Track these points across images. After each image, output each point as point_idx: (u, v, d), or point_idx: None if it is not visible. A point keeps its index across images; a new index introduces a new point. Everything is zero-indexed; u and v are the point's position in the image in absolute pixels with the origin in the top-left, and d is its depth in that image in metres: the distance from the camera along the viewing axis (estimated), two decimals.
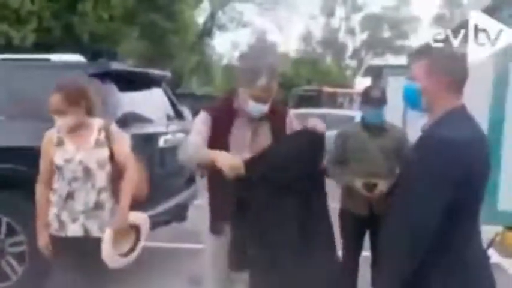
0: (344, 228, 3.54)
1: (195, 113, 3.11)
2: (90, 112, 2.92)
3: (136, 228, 2.99)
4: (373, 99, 3.42)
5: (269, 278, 2.55)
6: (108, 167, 2.89)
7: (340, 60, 46.17)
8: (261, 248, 2.54)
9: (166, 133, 4.62)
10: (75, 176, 2.82)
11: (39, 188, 2.93)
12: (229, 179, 2.42)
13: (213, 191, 2.75)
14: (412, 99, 1.97)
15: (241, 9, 30.87)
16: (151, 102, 4.83)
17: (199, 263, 3.02)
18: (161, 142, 4.52)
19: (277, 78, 2.63)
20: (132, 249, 2.98)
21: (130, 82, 4.47)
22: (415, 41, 36.36)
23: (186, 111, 5.55)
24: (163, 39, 19.40)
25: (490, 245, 3.60)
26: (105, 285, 3.06)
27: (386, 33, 46.52)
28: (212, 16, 28.98)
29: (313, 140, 2.58)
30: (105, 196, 2.88)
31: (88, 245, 2.84)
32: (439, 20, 41.87)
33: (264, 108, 2.65)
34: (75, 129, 2.86)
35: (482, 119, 3.25)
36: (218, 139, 2.65)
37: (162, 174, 4.44)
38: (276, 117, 2.76)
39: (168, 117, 5.04)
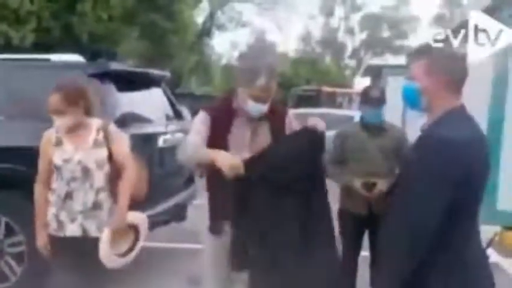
0: (343, 228, 3.54)
1: (194, 113, 3.11)
2: (89, 112, 2.91)
3: (134, 228, 2.99)
4: (373, 99, 3.42)
5: (268, 278, 2.54)
6: (106, 167, 2.88)
7: (339, 60, 46.18)
8: (260, 248, 2.54)
9: (165, 133, 4.62)
10: (74, 176, 2.82)
11: (38, 188, 2.93)
12: (228, 178, 2.42)
13: (212, 191, 2.75)
14: (411, 99, 1.97)
15: (241, 9, 30.94)
16: (150, 102, 4.83)
17: (198, 263, 3.01)
18: (160, 142, 4.52)
19: (276, 78, 2.63)
20: (131, 249, 2.98)
21: (130, 82, 4.47)
22: (414, 41, 36.35)
23: (185, 111, 5.55)
24: (162, 39, 19.39)
25: (489, 244, 3.59)
26: (103, 285, 3.06)
27: (386, 33, 46.53)
28: (211, 16, 28.98)
29: (313, 140, 2.58)
30: (103, 196, 2.88)
31: (86, 245, 2.83)
32: (438, 20, 41.89)
33: (263, 108, 2.65)
34: (73, 129, 2.86)
35: (482, 119, 3.25)
36: (217, 139, 2.65)
37: (161, 174, 4.44)
38: (275, 117, 2.76)
39: (167, 117, 5.04)
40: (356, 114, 9.81)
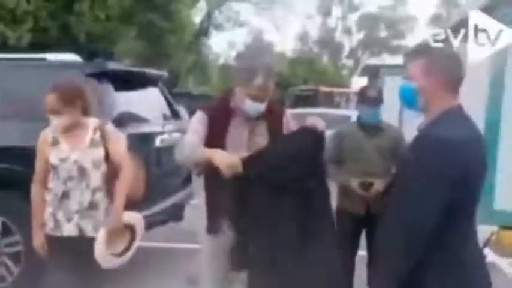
0: (340, 228, 3.54)
1: (191, 113, 3.11)
2: (86, 112, 2.91)
3: (131, 228, 2.99)
4: (370, 99, 3.42)
5: (267, 277, 2.54)
6: (103, 167, 2.88)
7: (336, 59, 46.22)
8: (259, 248, 2.54)
9: (162, 133, 4.62)
10: (70, 175, 2.82)
11: (35, 188, 2.93)
12: (226, 177, 2.42)
13: (210, 190, 2.74)
14: (408, 99, 1.97)
15: (238, 9, 30.90)
16: (147, 102, 4.83)
17: (196, 263, 3.01)
18: (157, 142, 4.51)
19: (273, 77, 2.63)
20: (127, 249, 2.98)
21: (127, 82, 4.46)
22: (411, 41, 36.35)
23: (182, 111, 5.54)
24: (160, 39, 19.38)
25: (486, 244, 3.60)
26: (100, 285, 3.05)
27: (383, 33, 46.59)
28: (209, 16, 28.97)
29: (313, 139, 2.58)
30: (99, 196, 2.88)
31: (83, 245, 2.83)
32: (435, 19, 41.93)
33: (261, 107, 2.64)
34: (70, 129, 2.85)
35: (479, 120, 3.26)
36: (215, 138, 2.64)
37: (158, 174, 4.43)
38: (272, 116, 2.76)
39: (165, 117, 5.04)
40: (353, 114, 9.82)
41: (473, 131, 1.88)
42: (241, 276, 2.62)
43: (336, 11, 47.38)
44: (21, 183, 3.26)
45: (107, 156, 2.89)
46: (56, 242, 2.86)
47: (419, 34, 37.96)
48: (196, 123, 2.70)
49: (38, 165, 2.91)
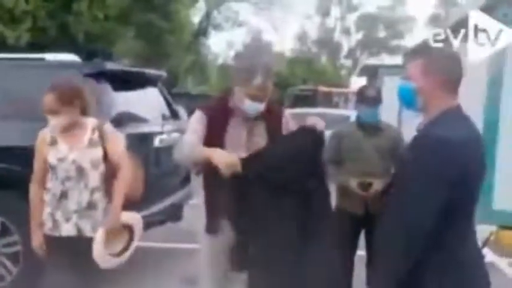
0: (339, 228, 3.54)
1: (190, 113, 3.10)
2: (84, 112, 2.90)
3: (129, 228, 2.99)
4: (369, 99, 3.42)
5: (267, 277, 2.54)
6: (101, 167, 2.87)
7: (335, 59, 46.25)
8: (259, 248, 2.53)
9: (161, 133, 4.61)
10: (69, 175, 2.81)
11: (33, 188, 2.92)
12: (225, 176, 2.42)
13: (209, 189, 2.74)
14: (407, 99, 1.97)
15: (237, 9, 30.88)
16: (146, 102, 4.82)
17: (194, 262, 3.01)
18: (156, 142, 4.51)
19: (272, 77, 2.63)
20: (125, 249, 2.97)
21: (126, 82, 4.46)
22: (410, 41, 36.39)
23: (181, 111, 5.55)
24: (158, 39, 19.36)
25: (485, 244, 3.61)
26: (99, 285, 3.05)
27: (382, 33, 46.64)
28: (207, 16, 28.96)
29: (312, 139, 2.58)
30: (98, 196, 2.87)
31: (81, 245, 2.82)
32: (434, 19, 41.97)
33: (260, 107, 2.64)
34: (68, 129, 2.85)
35: (477, 120, 3.27)
36: (214, 138, 2.64)
37: (157, 174, 4.43)
38: (271, 116, 2.76)
39: (164, 117, 5.04)
40: (352, 114, 9.83)
41: (472, 131, 1.88)
42: (241, 276, 2.62)
43: (335, 11, 47.45)
44: (19, 183, 3.26)
45: (106, 156, 2.89)
46: (55, 242, 2.86)
47: (418, 34, 38.07)
48: (195, 123, 2.70)
49: (37, 165, 2.91)
